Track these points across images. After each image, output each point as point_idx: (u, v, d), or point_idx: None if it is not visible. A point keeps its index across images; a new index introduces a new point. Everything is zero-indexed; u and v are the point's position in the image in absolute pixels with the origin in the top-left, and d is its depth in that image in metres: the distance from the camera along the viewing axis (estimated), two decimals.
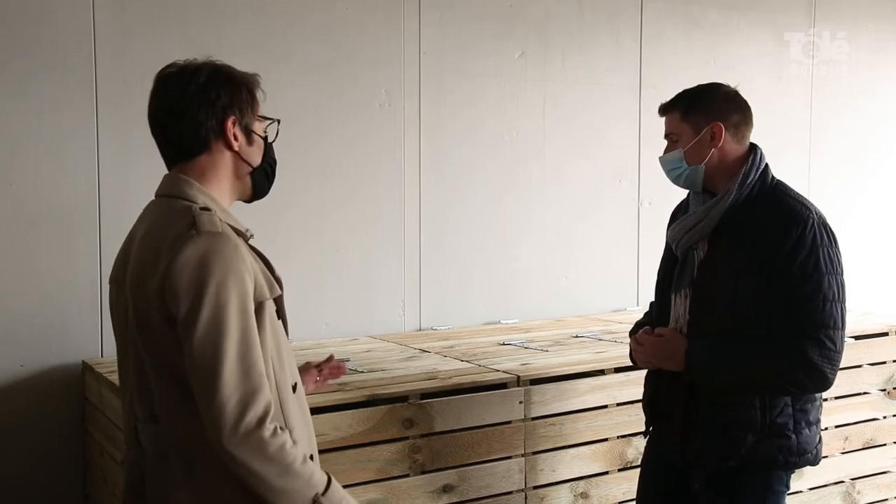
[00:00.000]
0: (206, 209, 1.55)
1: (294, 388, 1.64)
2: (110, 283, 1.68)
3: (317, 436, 2.17)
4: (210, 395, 1.43)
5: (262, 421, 1.45)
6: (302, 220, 3.28)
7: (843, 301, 2.00)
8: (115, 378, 2.53)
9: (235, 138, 1.62)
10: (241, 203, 1.71)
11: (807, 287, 1.96)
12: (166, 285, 1.46)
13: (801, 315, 1.97)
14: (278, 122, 1.73)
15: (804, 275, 1.96)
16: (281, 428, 1.49)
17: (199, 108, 1.59)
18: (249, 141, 1.66)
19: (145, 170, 2.96)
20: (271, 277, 1.61)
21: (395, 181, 3.48)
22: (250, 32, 3.13)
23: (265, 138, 1.70)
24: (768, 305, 2.00)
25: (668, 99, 2.16)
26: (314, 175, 3.27)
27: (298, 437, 1.60)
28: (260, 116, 1.68)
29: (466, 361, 2.77)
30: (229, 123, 1.61)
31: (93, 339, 2.95)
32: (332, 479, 1.56)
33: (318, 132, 3.25)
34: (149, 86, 3.11)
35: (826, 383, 1.99)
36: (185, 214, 1.53)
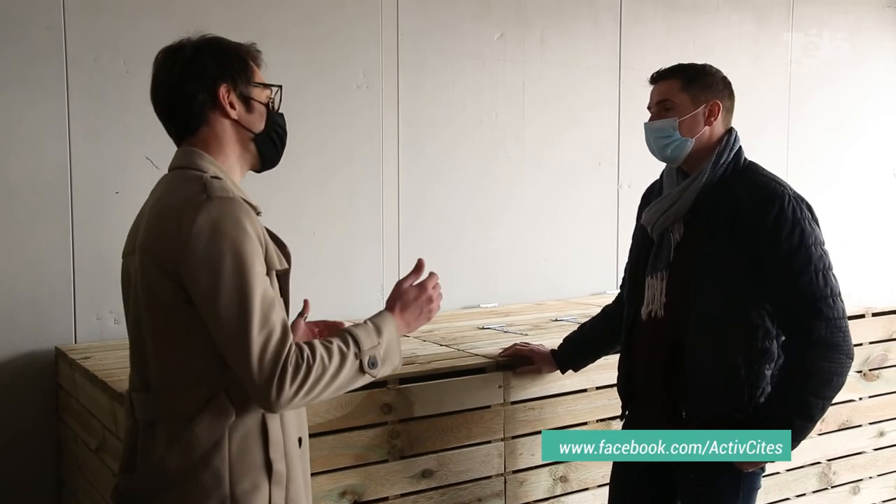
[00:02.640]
0: (217, 178, 1.56)
1: None
2: (123, 257, 1.67)
3: None
4: (245, 365, 1.45)
5: (283, 372, 1.46)
6: (279, 203, 3.23)
7: (832, 269, 2.02)
8: (88, 364, 2.50)
9: (232, 106, 1.62)
10: None
11: (796, 261, 1.98)
12: (182, 257, 1.47)
13: (797, 290, 1.98)
14: (280, 87, 1.71)
15: (791, 248, 1.98)
16: (300, 356, 1.49)
17: (186, 83, 1.59)
18: (249, 108, 1.65)
19: (118, 151, 2.93)
20: (280, 252, 1.62)
21: (374, 163, 3.44)
22: (227, 12, 3.08)
23: (268, 105, 1.69)
24: (757, 285, 2.01)
25: (665, 67, 2.16)
26: (291, 157, 3.19)
27: (289, 416, 1.63)
28: (258, 84, 1.67)
29: (445, 346, 2.75)
30: (222, 92, 1.61)
31: (66, 326, 2.90)
32: (355, 332, 1.60)
33: (296, 114, 3.18)
34: (121, 66, 3.07)
35: (848, 351, 2.00)
36: (195, 181, 1.53)
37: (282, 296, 1.62)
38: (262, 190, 3.07)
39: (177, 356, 1.54)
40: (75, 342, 2.91)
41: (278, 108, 1.72)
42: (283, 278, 1.64)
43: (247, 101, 1.64)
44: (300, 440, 1.67)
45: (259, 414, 1.57)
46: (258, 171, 1.73)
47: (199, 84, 1.60)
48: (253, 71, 1.67)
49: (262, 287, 1.48)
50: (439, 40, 3.55)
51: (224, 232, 1.46)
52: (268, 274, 1.55)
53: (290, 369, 1.46)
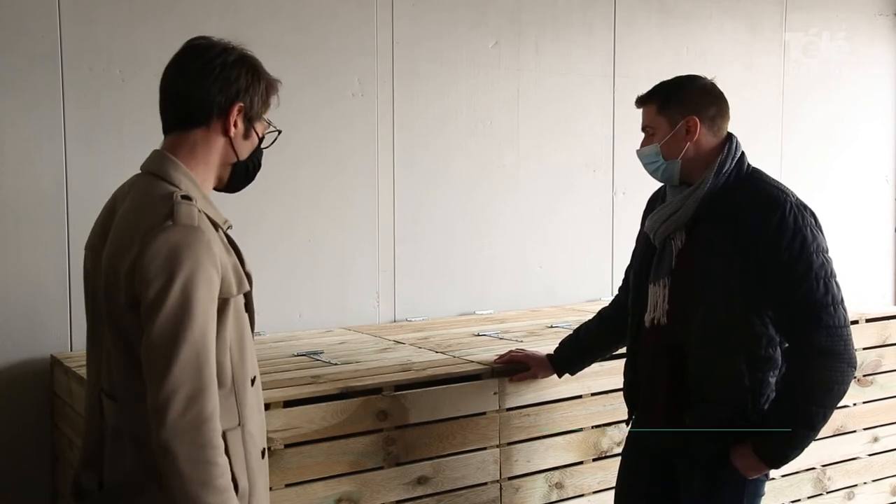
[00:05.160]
0: (188, 198, 1.54)
1: (253, 381, 1.64)
2: (86, 249, 1.68)
3: (290, 429, 2.20)
4: (160, 382, 1.43)
5: (206, 420, 1.45)
6: (274, 211, 3.25)
7: (835, 276, 2.01)
8: (84, 372, 2.50)
9: (235, 125, 1.63)
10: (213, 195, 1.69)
11: (797, 268, 1.97)
12: (136, 270, 1.46)
13: (798, 298, 1.98)
14: (279, 132, 1.74)
15: (792, 256, 1.97)
16: (239, 426, 1.50)
17: (214, 81, 1.60)
18: (247, 134, 1.67)
19: (114, 159, 2.93)
20: (242, 273, 1.61)
21: (369, 171, 3.45)
22: (221, 20, 3.09)
23: (261, 139, 1.71)
24: (759, 293, 2.01)
25: (646, 91, 2.16)
26: (287, 165, 3.23)
27: (253, 431, 1.62)
28: (265, 119, 1.70)
29: (441, 353, 2.76)
30: (235, 108, 1.62)
31: (61, 333, 2.91)
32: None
33: (290, 122, 3.19)
34: (116, 74, 3.07)
35: (849, 360, 1.99)
36: (165, 202, 1.52)
37: (247, 311, 1.64)
38: (258, 197, 3.09)
39: (137, 373, 1.51)
40: (71, 350, 2.91)
41: (267, 147, 1.74)
42: (246, 295, 1.65)
43: (248, 128, 1.66)
44: (263, 451, 1.67)
45: (219, 431, 1.56)
46: (218, 190, 1.73)
47: (223, 89, 1.60)
48: (268, 106, 1.70)
49: (203, 323, 1.47)
50: (434, 48, 3.56)
51: (180, 259, 1.46)
52: (226, 300, 1.54)
53: (211, 431, 1.44)
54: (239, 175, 1.70)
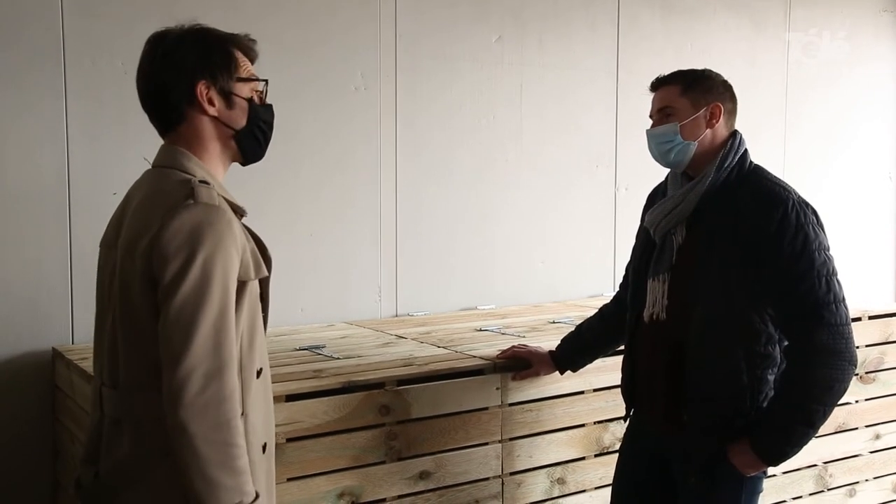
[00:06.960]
0: (205, 182, 1.53)
1: (259, 373, 1.62)
2: (101, 246, 1.66)
3: (292, 423, 2.19)
4: (178, 359, 1.41)
5: (225, 399, 1.43)
6: (277, 205, 3.24)
7: (836, 274, 2.01)
8: (85, 365, 2.50)
9: (211, 103, 1.58)
10: None
11: (799, 266, 1.97)
12: (155, 248, 1.45)
13: (799, 295, 1.97)
14: (266, 82, 1.67)
15: (794, 254, 1.97)
16: (241, 416, 1.47)
17: (165, 74, 1.56)
18: (230, 104, 1.61)
19: (116, 153, 2.93)
20: (260, 258, 1.60)
21: (372, 166, 3.45)
22: (223, 15, 3.07)
23: (251, 100, 1.64)
24: (759, 290, 2.01)
25: (664, 74, 2.16)
26: (289, 160, 3.23)
27: (255, 423, 1.59)
28: (241, 78, 1.62)
29: (443, 348, 2.76)
30: (200, 88, 1.57)
31: (63, 326, 2.90)
32: (260, 496, 1.51)
33: (294, 117, 3.21)
34: (119, 67, 3.07)
35: (850, 358, 1.99)
36: (183, 186, 1.51)
37: (262, 299, 1.62)
38: (261, 191, 3.10)
39: (146, 357, 1.50)
40: (72, 343, 2.91)
41: (264, 101, 1.68)
42: (262, 283, 1.63)
43: (228, 97, 1.60)
44: (265, 446, 1.64)
45: (239, 412, 1.54)
46: (243, 164, 1.69)
47: (177, 77, 1.56)
48: (237, 65, 1.62)
49: (222, 301, 1.45)
50: (437, 43, 3.56)
51: (201, 237, 1.44)
52: (243, 283, 1.53)
53: (229, 411, 1.42)
54: (249, 143, 1.65)
